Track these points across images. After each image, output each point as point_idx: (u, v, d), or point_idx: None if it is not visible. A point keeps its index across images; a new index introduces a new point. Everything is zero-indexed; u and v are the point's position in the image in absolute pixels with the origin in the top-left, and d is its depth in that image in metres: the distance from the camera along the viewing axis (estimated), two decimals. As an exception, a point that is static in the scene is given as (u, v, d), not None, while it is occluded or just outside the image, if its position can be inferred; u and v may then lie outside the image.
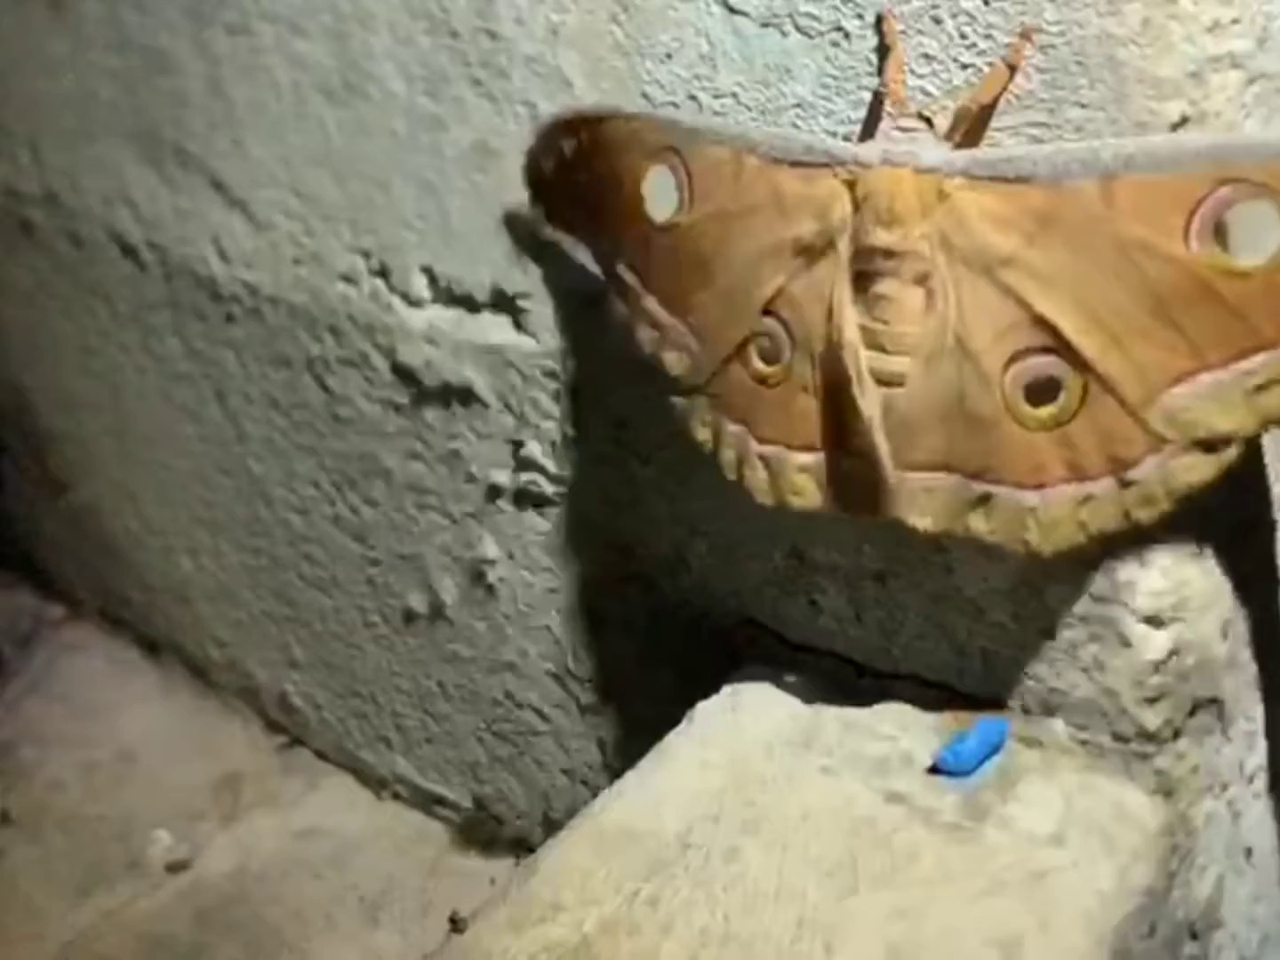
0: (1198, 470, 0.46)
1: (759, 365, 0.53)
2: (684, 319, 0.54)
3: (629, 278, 0.56)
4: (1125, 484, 0.47)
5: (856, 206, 0.48)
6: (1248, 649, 0.56)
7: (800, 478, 0.53)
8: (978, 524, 0.49)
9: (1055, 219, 0.45)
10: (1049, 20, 0.45)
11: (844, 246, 0.48)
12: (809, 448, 0.52)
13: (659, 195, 0.53)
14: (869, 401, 0.49)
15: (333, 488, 0.83)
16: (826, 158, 0.48)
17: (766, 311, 0.51)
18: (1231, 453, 0.46)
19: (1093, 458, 0.47)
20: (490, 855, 0.84)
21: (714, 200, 0.52)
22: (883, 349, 0.48)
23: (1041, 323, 0.46)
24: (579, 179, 0.56)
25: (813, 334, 0.50)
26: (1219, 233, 0.43)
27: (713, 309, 0.53)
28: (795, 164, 0.49)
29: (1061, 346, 0.46)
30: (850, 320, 0.49)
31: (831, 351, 0.50)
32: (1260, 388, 0.44)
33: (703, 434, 0.55)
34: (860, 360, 0.49)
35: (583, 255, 0.60)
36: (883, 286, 0.48)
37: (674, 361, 0.55)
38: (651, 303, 0.55)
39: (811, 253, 0.49)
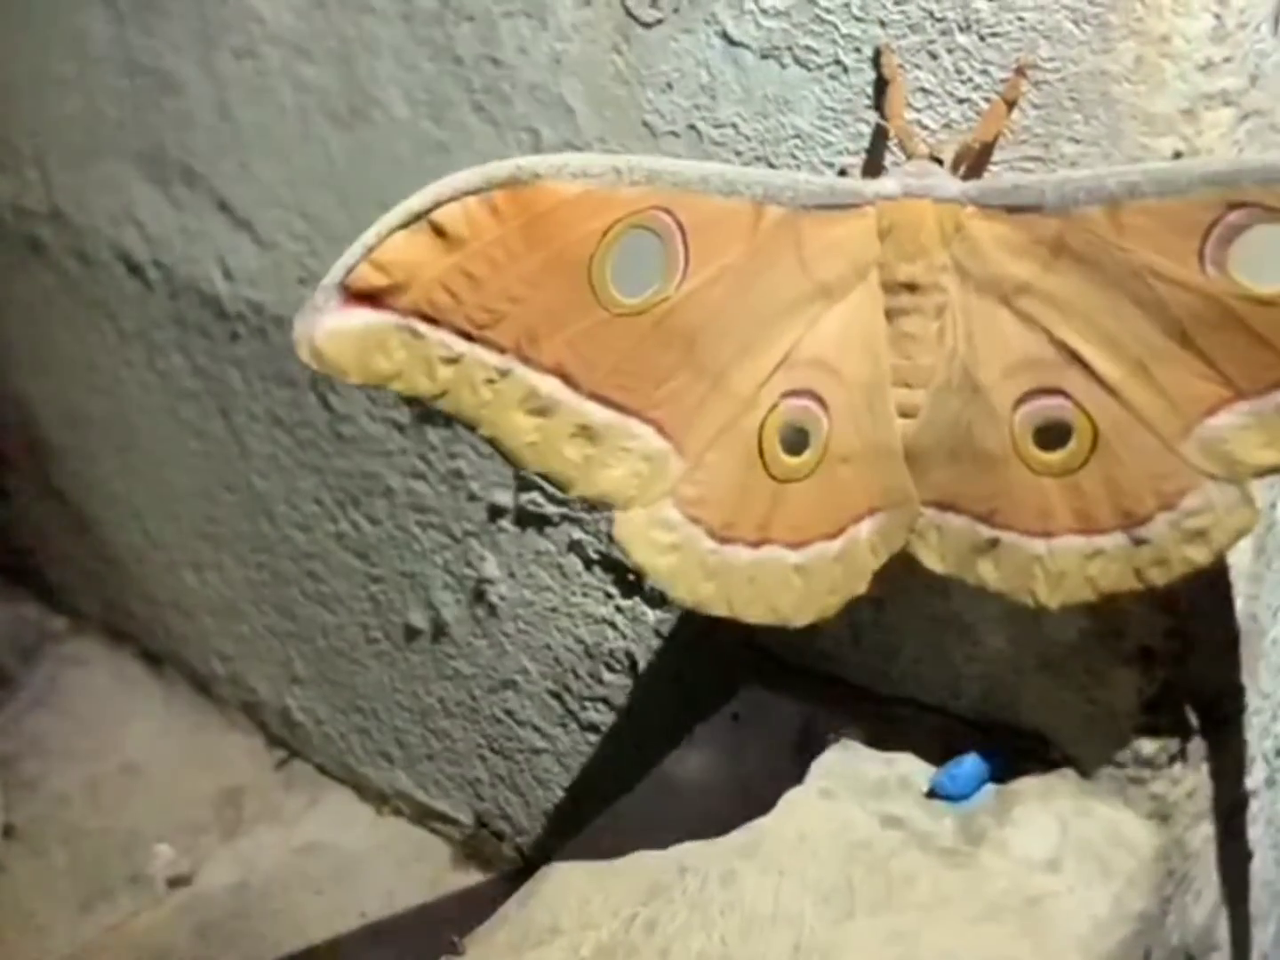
0: (1202, 548, 0.45)
1: (787, 460, 0.47)
2: (644, 415, 0.46)
3: (547, 387, 0.45)
4: (1137, 542, 0.45)
5: (881, 241, 0.46)
6: (1245, 676, 0.57)
7: (835, 568, 0.48)
8: (987, 571, 0.48)
9: (1067, 247, 0.44)
10: (1044, 57, 0.46)
11: (876, 285, 0.47)
12: (841, 530, 0.48)
13: (633, 269, 0.44)
14: (896, 435, 0.48)
15: (335, 505, 0.83)
16: (853, 197, 0.46)
17: (790, 394, 0.47)
18: (1231, 541, 0.45)
19: (1103, 509, 0.46)
20: (491, 872, 0.85)
21: (720, 261, 0.45)
22: (907, 384, 0.47)
23: (1064, 351, 0.45)
24: (473, 270, 0.43)
25: (855, 387, 0.47)
26: (1235, 257, 0.42)
27: (694, 387, 0.46)
28: (819, 208, 0.46)
29: (1077, 385, 0.45)
30: (887, 358, 0.47)
31: (876, 395, 0.47)
32: None
33: (668, 560, 0.47)
34: (889, 398, 0.47)
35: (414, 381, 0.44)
36: (907, 324, 0.47)
37: (621, 479, 0.46)
38: (591, 409, 0.46)
39: (830, 299, 0.47)
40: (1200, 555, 0.45)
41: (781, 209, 0.46)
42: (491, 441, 0.46)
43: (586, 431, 0.46)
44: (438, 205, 0.43)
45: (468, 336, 0.44)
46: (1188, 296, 0.43)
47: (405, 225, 0.42)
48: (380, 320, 0.43)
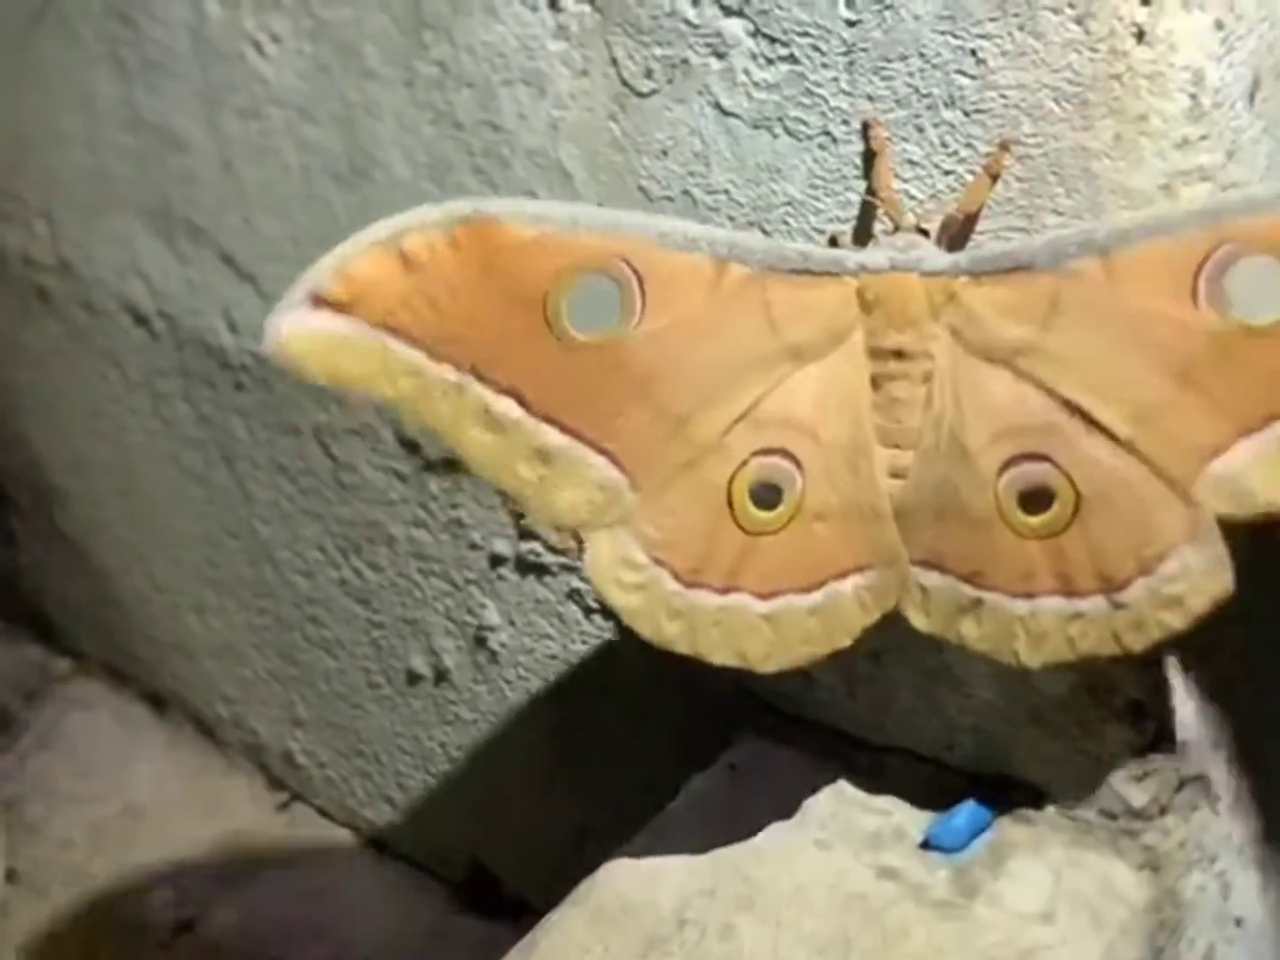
0: (1178, 612, 0.46)
1: (757, 514, 0.48)
2: (600, 444, 0.48)
3: (501, 406, 0.47)
4: (1116, 606, 0.46)
5: (866, 311, 0.47)
6: (1234, 724, 0.57)
7: (809, 620, 0.49)
8: (969, 630, 0.49)
9: (1063, 302, 0.45)
10: (1026, 133, 0.47)
11: (859, 351, 0.48)
12: (819, 584, 0.49)
13: (588, 309, 0.46)
14: (884, 495, 0.49)
15: (338, 552, 0.84)
16: (832, 266, 0.47)
17: (765, 452, 0.48)
18: (1206, 607, 0.46)
19: (1083, 573, 0.46)
20: (490, 916, 0.85)
21: (677, 311, 0.47)
22: (897, 446, 0.48)
23: (1067, 407, 0.45)
24: (433, 293, 0.45)
25: (834, 448, 0.48)
26: (1227, 292, 0.43)
27: (653, 427, 0.48)
28: (792, 272, 0.47)
29: (1061, 451, 0.46)
30: (870, 421, 0.48)
31: (858, 456, 0.48)
32: None
33: (632, 599, 0.48)
34: (878, 460, 0.48)
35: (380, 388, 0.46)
36: (895, 389, 0.48)
37: (575, 504, 0.48)
38: (545, 431, 0.47)
39: (800, 359, 0.48)
40: (1175, 620, 0.46)
41: (748, 269, 0.47)
42: (453, 452, 0.48)
43: (541, 453, 0.48)
44: (405, 232, 0.45)
45: (428, 352, 0.46)
46: (1186, 337, 0.44)
47: (373, 246, 0.46)
48: (345, 327, 0.46)
